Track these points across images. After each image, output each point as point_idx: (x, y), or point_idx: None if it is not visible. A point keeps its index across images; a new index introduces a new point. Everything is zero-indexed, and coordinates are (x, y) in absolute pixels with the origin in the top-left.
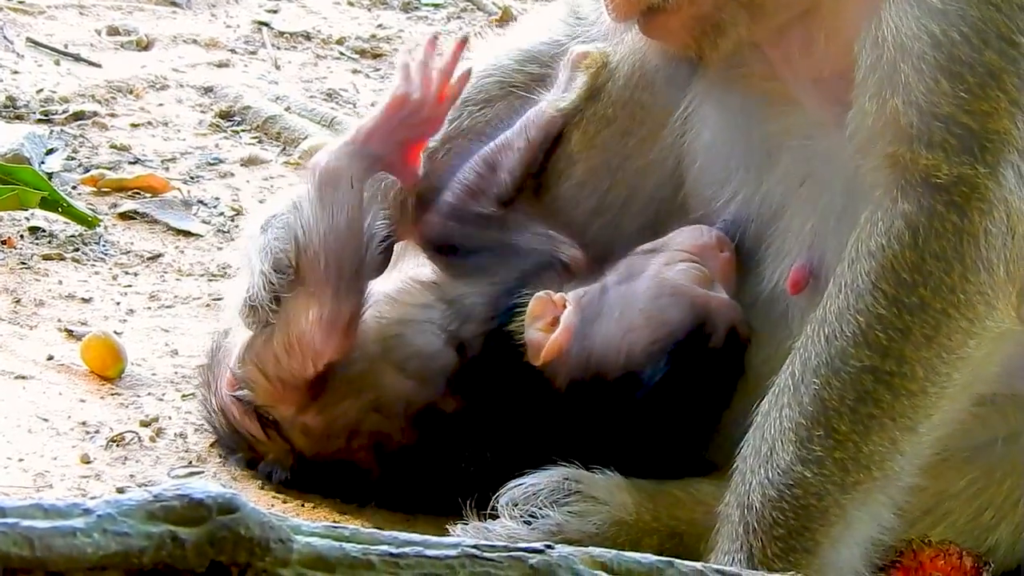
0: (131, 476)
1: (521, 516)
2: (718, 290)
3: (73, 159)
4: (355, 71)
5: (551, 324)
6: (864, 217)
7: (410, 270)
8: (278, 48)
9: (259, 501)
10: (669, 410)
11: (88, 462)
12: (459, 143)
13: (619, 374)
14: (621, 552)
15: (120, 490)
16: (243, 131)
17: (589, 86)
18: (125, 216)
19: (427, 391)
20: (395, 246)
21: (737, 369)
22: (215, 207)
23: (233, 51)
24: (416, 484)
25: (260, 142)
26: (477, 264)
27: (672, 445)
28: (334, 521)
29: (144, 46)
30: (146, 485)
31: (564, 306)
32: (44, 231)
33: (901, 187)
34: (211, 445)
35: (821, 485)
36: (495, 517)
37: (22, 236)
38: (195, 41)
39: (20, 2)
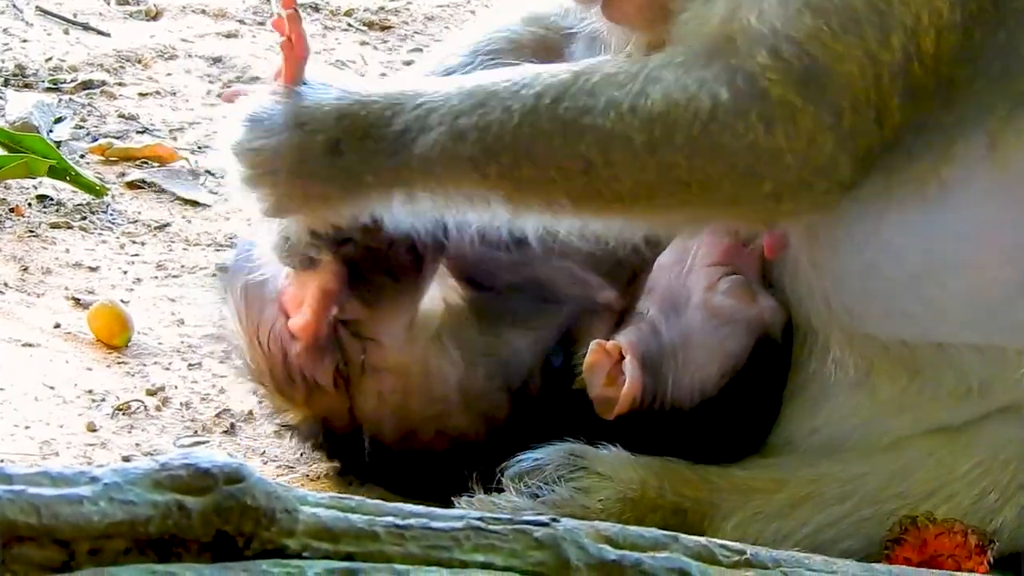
0: (137, 445)
1: (527, 490)
2: (762, 296)
3: (81, 128)
4: (363, 43)
5: (613, 375)
6: (675, 55)
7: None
8: None
9: (264, 473)
10: (735, 413)
11: (94, 430)
12: None
13: (692, 407)
14: (626, 526)
15: (126, 459)
16: None
17: None
18: (133, 185)
19: (467, 421)
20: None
21: (789, 358)
22: (223, 177)
23: (242, 22)
24: (431, 474)
25: None
26: (511, 308)
27: (735, 440)
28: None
29: (153, 16)
30: (152, 454)
31: (620, 354)
32: (52, 199)
33: (727, 68)
34: (217, 415)
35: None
36: (500, 491)
37: (30, 204)
38: (204, 11)
39: None
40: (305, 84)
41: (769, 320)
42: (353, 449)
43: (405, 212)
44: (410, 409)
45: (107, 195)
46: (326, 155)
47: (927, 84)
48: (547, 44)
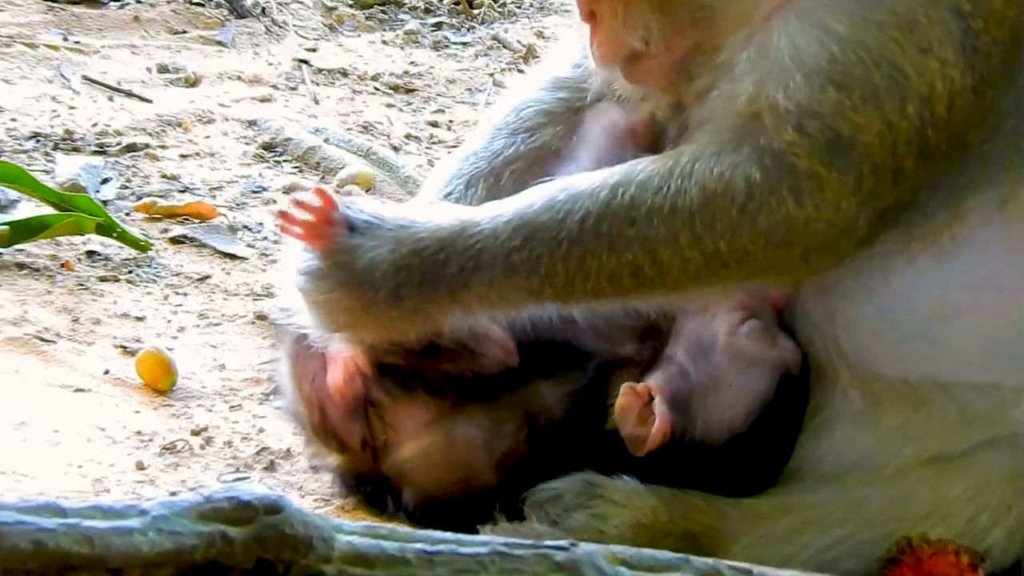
0: (182, 481)
1: (547, 518)
2: (782, 339)
3: (126, 188)
4: (389, 105)
5: (643, 416)
6: (706, 144)
7: None
8: (317, 84)
9: (301, 506)
10: (759, 448)
11: (143, 468)
12: (519, 166)
13: (721, 443)
14: (640, 549)
15: (173, 494)
16: (285, 161)
17: None
18: (175, 240)
19: (494, 474)
20: None
21: (807, 394)
22: (259, 232)
23: (275, 87)
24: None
25: (301, 171)
26: (541, 362)
27: (756, 474)
28: (371, 522)
29: (192, 83)
30: (196, 489)
31: (650, 395)
32: (100, 255)
33: (756, 149)
34: (257, 453)
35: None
36: (522, 519)
37: (79, 259)
38: (239, 78)
39: (76, 42)
40: (351, 231)
41: (789, 360)
42: (383, 499)
43: (462, 325)
44: (436, 479)
45: (151, 250)
46: (388, 303)
47: (941, 145)
48: (575, 107)
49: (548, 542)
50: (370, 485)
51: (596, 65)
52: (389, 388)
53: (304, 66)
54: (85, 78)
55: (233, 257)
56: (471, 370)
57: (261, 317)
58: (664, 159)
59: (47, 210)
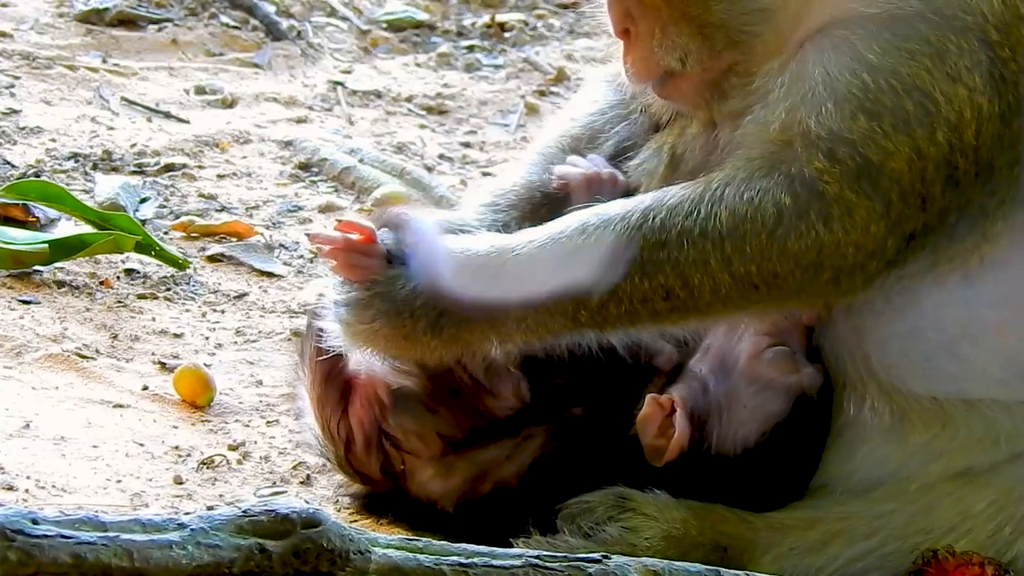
0: (220, 496)
1: (580, 531)
2: (804, 364)
3: (164, 207)
4: (422, 126)
5: (664, 427)
6: (737, 169)
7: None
8: (352, 105)
9: (338, 519)
10: (774, 465)
11: (181, 483)
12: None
13: (735, 457)
14: (672, 562)
15: (210, 508)
16: (320, 181)
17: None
18: (213, 259)
19: (519, 476)
20: None
21: (828, 417)
22: (295, 250)
23: (311, 108)
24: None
25: (336, 191)
26: (575, 387)
27: (774, 489)
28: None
29: (229, 104)
30: (234, 503)
31: (671, 406)
32: (139, 272)
33: (787, 175)
34: (294, 467)
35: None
36: (555, 532)
37: (118, 277)
38: (276, 99)
39: (115, 64)
40: (390, 262)
41: (807, 385)
42: (413, 517)
43: (497, 352)
44: (461, 492)
45: (189, 268)
46: (427, 332)
47: (969, 171)
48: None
49: (581, 555)
50: (395, 509)
51: (629, 81)
52: (403, 423)
53: (339, 88)
54: (124, 99)
55: (270, 275)
56: (482, 411)
57: (297, 334)
58: (695, 184)
59: (86, 229)
